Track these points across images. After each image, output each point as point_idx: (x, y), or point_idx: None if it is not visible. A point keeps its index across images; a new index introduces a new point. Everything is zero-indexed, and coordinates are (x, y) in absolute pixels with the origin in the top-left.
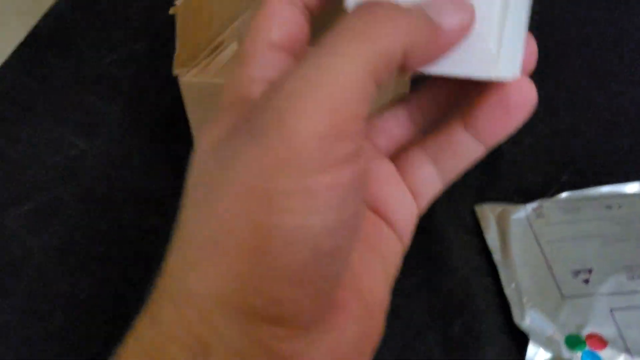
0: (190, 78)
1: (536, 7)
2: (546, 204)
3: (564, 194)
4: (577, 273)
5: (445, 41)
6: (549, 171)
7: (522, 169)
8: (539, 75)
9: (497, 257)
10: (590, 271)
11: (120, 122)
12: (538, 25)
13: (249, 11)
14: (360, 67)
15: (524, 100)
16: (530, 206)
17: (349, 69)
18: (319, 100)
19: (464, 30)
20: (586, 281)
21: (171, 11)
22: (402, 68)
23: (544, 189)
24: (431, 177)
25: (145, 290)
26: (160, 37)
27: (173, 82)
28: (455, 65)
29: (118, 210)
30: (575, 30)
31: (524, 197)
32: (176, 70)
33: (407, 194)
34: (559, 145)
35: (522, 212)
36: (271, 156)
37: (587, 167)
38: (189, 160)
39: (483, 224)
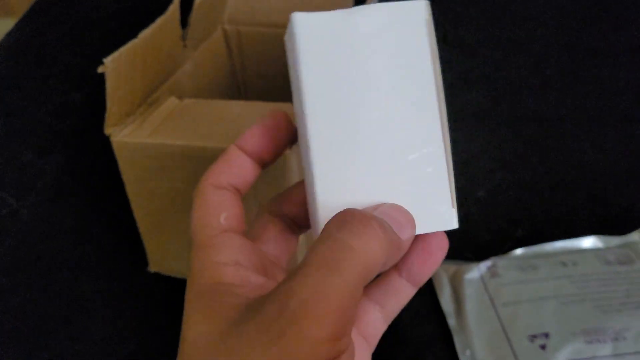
0: (123, 138)
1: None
2: (500, 262)
3: (519, 251)
4: (533, 338)
5: (404, 249)
6: (503, 226)
7: (475, 224)
8: (493, 127)
9: (451, 322)
10: (547, 335)
11: (55, 178)
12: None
13: (190, 62)
14: (356, 280)
15: (444, 243)
16: (485, 265)
17: (348, 283)
18: (329, 309)
19: (411, 240)
20: (543, 347)
21: (100, 69)
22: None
23: (498, 245)
24: (378, 320)
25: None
26: (102, 86)
27: None
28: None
29: (48, 276)
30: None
31: (478, 253)
32: (108, 130)
33: (359, 337)
34: (513, 199)
35: (476, 272)
36: (291, 356)
37: (541, 221)
38: (124, 223)
39: (436, 285)
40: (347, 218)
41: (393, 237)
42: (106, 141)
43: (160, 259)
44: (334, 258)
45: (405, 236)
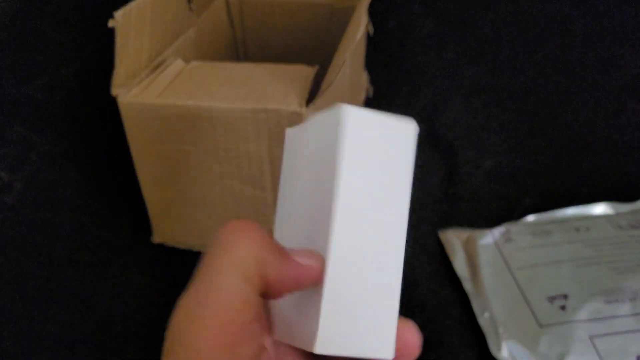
0: (130, 99)
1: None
2: (513, 228)
3: (531, 217)
4: (552, 299)
5: (298, 272)
6: (512, 194)
7: (484, 193)
8: (498, 100)
9: (467, 286)
10: (565, 297)
11: (49, 152)
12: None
13: (193, 28)
14: (234, 278)
15: None
16: (498, 231)
17: (227, 284)
18: (211, 318)
19: (312, 270)
20: (563, 307)
21: (110, 23)
22: (271, 289)
23: (508, 213)
24: None
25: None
26: (92, 61)
27: (109, 108)
28: (352, 347)
29: (45, 248)
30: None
31: (488, 222)
32: (115, 90)
33: None
34: (521, 168)
35: (490, 238)
36: None
37: (550, 189)
38: (123, 194)
39: (449, 251)
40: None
41: (273, 241)
42: (101, 113)
43: (164, 229)
44: (209, 263)
45: (301, 259)
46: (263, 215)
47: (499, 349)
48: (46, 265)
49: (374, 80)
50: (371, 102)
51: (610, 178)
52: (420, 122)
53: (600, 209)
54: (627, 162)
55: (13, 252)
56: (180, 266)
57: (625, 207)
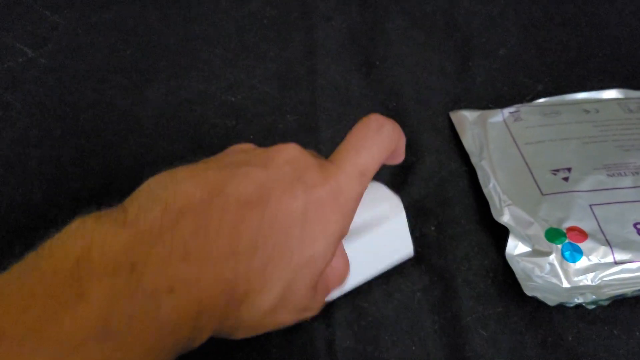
0: None
1: None
2: (524, 108)
3: (541, 100)
4: (556, 171)
5: None
6: (524, 81)
7: (497, 79)
8: None
9: (474, 159)
10: (569, 170)
11: (73, 32)
12: None
13: None
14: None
15: None
16: (508, 110)
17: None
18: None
19: None
20: (566, 179)
21: None
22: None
23: (519, 98)
24: None
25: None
26: None
27: None
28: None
29: (73, 118)
30: None
31: (499, 105)
32: None
33: None
34: (534, 56)
35: (500, 116)
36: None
37: (562, 76)
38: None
39: (459, 129)
40: None
41: None
42: None
43: None
44: None
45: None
46: None
47: (501, 214)
48: (69, 135)
49: None
50: None
51: (626, 68)
52: (436, 11)
53: (611, 94)
54: None
55: (36, 122)
56: None
57: (636, 94)
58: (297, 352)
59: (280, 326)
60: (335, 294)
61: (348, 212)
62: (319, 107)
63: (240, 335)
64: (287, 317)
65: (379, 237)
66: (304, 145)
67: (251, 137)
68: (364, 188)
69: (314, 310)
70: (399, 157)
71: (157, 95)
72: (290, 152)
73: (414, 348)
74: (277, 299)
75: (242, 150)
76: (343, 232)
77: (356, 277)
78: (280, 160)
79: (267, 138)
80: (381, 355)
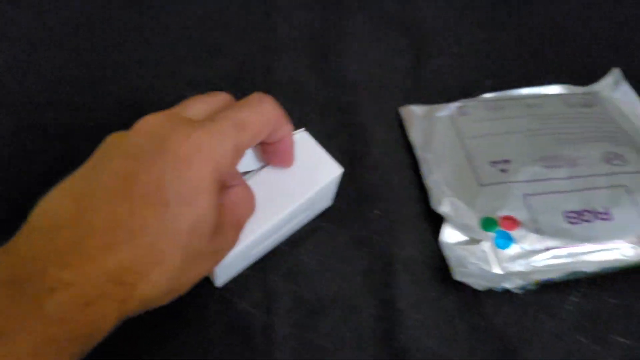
0: None
1: None
2: (470, 103)
3: (488, 95)
4: (495, 163)
5: None
6: (473, 77)
7: (447, 76)
8: None
9: (419, 151)
10: (508, 162)
11: (28, 28)
12: None
13: None
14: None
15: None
16: (455, 105)
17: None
18: None
19: None
20: (504, 171)
21: None
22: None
23: (468, 92)
24: None
25: None
26: None
27: None
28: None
29: (27, 114)
30: None
31: (449, 100)
32: None
33: None
34: (484, 54)
35: (447, 110)
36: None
37: (510, 72)
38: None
39: (407, 123)
40: None
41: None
42: None
43: None
44: None
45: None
46: None
47: (440, 204)
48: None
49: None
50: None
51: (570, 65)
52: (395, 11)
53: (554, 89)
54: (590, 52)
55: None
56: None
57: (578, 89)
58: (235, 339)
59: (203, 275)
60: (263, 226)
61: (219, 159)
62: None
63: (163, 302)
64: (203, 266)
65: (295, 165)
66: None
67: None
68: (244, 139)
69: (229, 245)
70: (286, 154)
71: (114, 90)
72: (149, 124)
73: (348, 334)
74: (178, 262)
75: (111, 143)
76: (217, 176)
77: (283, 205)
78: (140, 138)
79: None
80: (317, 341)
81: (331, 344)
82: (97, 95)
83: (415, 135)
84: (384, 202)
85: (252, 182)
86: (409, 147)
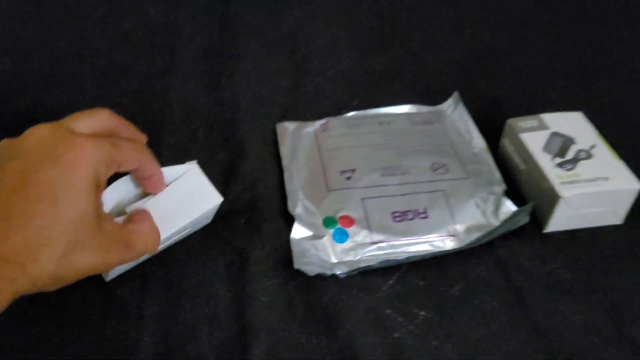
0: None
1: None
2: (333, 121)
3: (350, 113)
4: (343, 172)
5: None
6: (343, 97)
7: (322, 96)
8: (346, 21)
9: (285, 162)
10: (353, 171)
11: None
12: None
13: None
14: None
15: None
16: (319, 122)
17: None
18: None
19: None
20: (349, 178)
21: None
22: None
23: (338, 111)
24: None
25: None
26: None
27: None
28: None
29: None
30: None
31: (321, 117)
32: None
33: None
34: (355, 77)
35: (312, 127)
36: None
37: (375, 93)
38: None
39: (280, 138)
40: None
41: None
42: None
43: None
44: None
45: None
46: None
47: (295, 207)
48: None
49: None
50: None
51: (428, 89)
52: (284, 35)
53: (406, 108)
54: (441, 76)
55: None
56: None
57: (424, 109)
58: (111, 317)
59: (89, 269)
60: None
61: (97, 166)
62: (167, 119)
63: (52, 287)
64: (87, 258)
65: (178, 191)
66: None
67: None
68: (117, 156)
69: (117, 257)
70: (156, 186)
71: (22, 104)
72: (40, 133)
73: (206, 311)
74: (62, 246)
75: (4, 147)
76: (95, 178)
77: (170, 226)
78: (31, 144)
79: None
80: (181, 316)
81: (194, 319)
82: (9, 107)
83: (284, 148)
84: (250, 206)
85: (148, 204)
86: (279, 159)
